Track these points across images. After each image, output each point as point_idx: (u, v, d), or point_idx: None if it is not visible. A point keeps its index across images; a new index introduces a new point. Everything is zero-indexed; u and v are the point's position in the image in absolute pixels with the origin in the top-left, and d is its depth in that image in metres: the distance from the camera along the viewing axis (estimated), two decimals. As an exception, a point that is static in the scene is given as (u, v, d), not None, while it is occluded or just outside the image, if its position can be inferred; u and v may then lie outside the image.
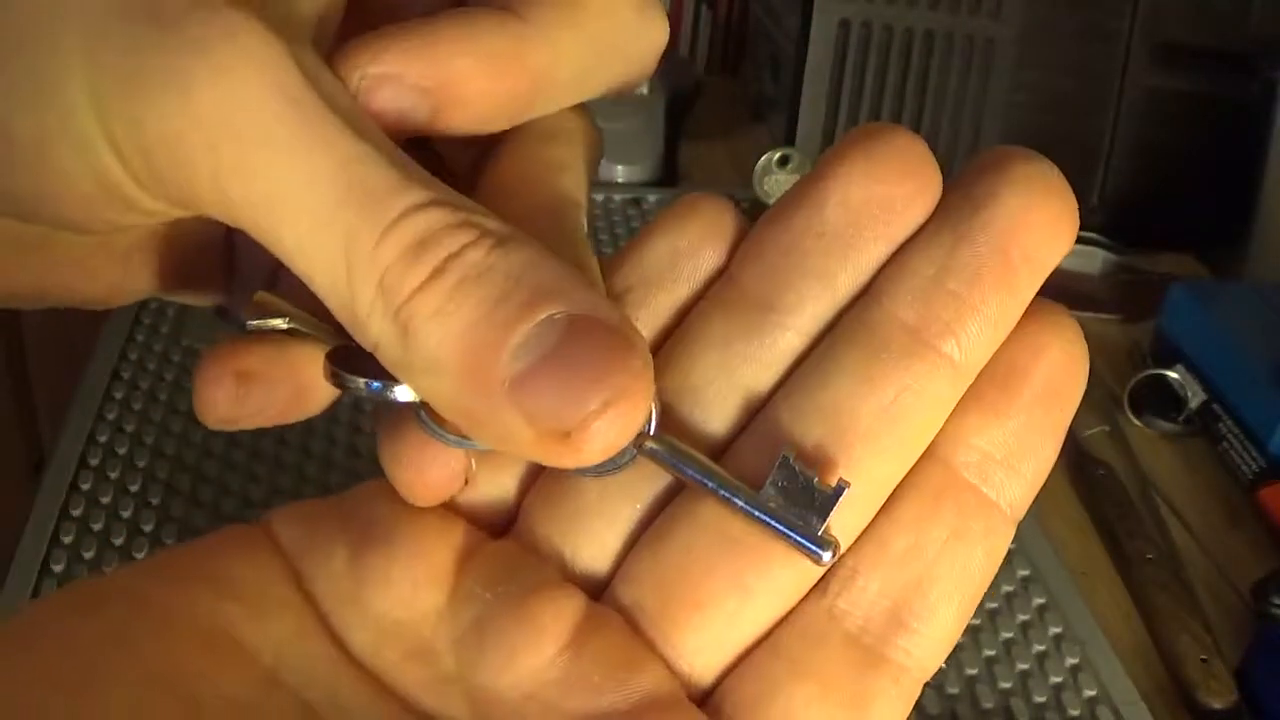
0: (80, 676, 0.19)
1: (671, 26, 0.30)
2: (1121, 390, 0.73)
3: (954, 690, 0.52)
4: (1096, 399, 0.73)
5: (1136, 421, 0.72)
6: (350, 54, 0.21)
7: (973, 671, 0.53)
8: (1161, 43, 0.86)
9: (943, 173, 0.22)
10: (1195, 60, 0.87)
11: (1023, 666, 0.53)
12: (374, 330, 0.19)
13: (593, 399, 0.18)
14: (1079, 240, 0.92)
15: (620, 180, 0.90)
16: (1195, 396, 0.71)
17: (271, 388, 0.22)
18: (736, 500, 0.21)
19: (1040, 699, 0.52)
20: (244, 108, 0.19)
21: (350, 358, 0.21)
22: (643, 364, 0.19)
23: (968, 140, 0.87)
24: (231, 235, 0.25)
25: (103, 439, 0.61)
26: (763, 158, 0.75)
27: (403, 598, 0.22)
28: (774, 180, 0.75)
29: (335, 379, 0.21)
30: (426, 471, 0.22)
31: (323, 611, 0.22)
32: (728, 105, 1.07)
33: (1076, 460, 0.67)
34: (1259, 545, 0.64)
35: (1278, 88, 0.84)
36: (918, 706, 0.53)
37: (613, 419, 0.19)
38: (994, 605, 0.56)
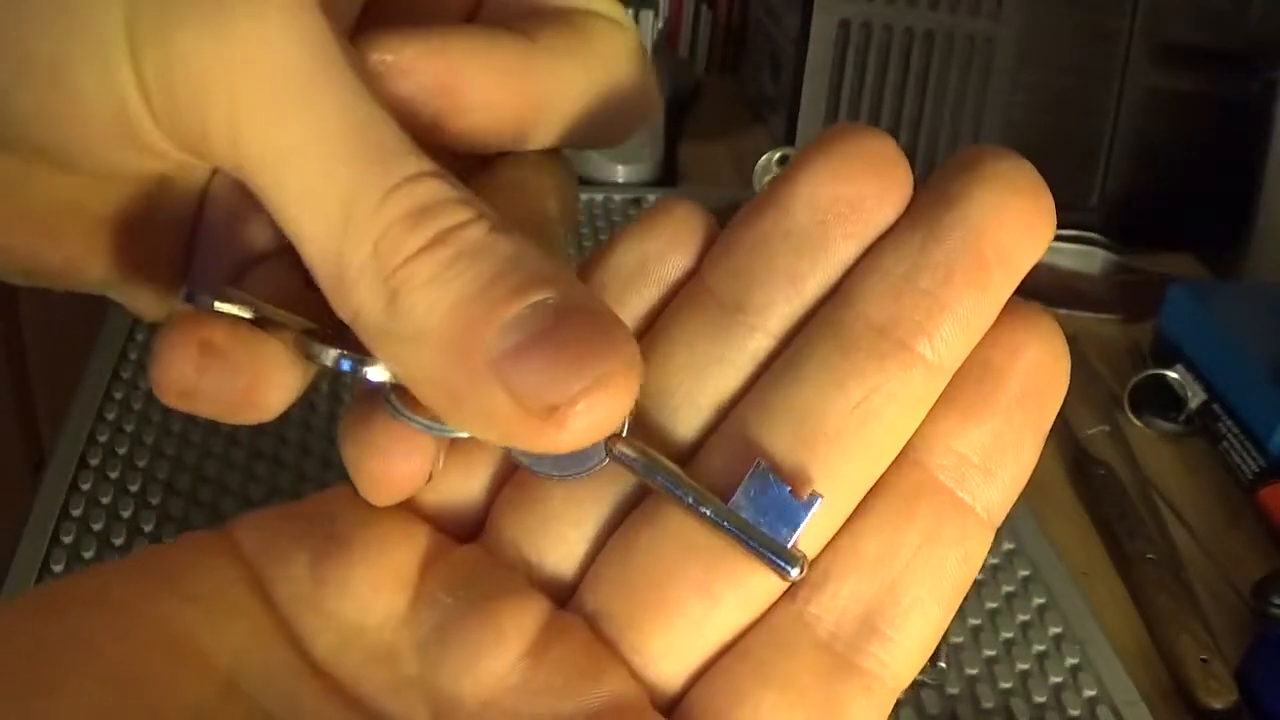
0: (38, 682, 0.19)
1: (671, 27, 0.31)
2: (1121, 390, 0.73)
3: (954, 690, 0.52)
4: (1096, 399, 0.73)
5: (1136, 421, 0.72)
6: (369, 41, 0.22)
7: (973, 671, 0.53)
8: (1161, 43, 0.86)
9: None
10: (1195, 60, 0.87)
11: (1023, 666, 0.53)
12: (361, 293, 0.19)
13: (583, 375, 0.18)
14: (1079, 240, 0.92)
15: (620, 180, 0.90)
16: (1195, 396, 0.71)
17: (232, 371, 0.21)
18: (705, 511, 0.21)
19: (1040, 699, 0.52)
20: (272, 54, 0.19)
21: (320, 340, 0.21)
22: (633, 354, 0.19)
23: (968, 140, 0.87)
24: (195, 236, 0.25)
25: (103, 439, 0.61)
26: (763, 158, 0.75)
27: (364, 601, 0.21)
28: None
29: (307, 350, 0.21)
30: (391, 461, 0.21)
31: (284, 616, 0.21)
32: (728, 105, 1.07)
33: (1076, 460, 0.67)
34: (1259, 545, 0.64)
35: (1278, 88, 0.84)
36: (918, 707, 0.53)
37: (600, 400, 0.18)
38: (994, 605, 0.56)
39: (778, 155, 0.75)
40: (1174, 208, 0.89)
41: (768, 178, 0.75)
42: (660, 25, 0.94)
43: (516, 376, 0.18)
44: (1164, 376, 0.72)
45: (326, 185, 0.19)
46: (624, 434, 0.21)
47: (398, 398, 0.20)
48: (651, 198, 0.88)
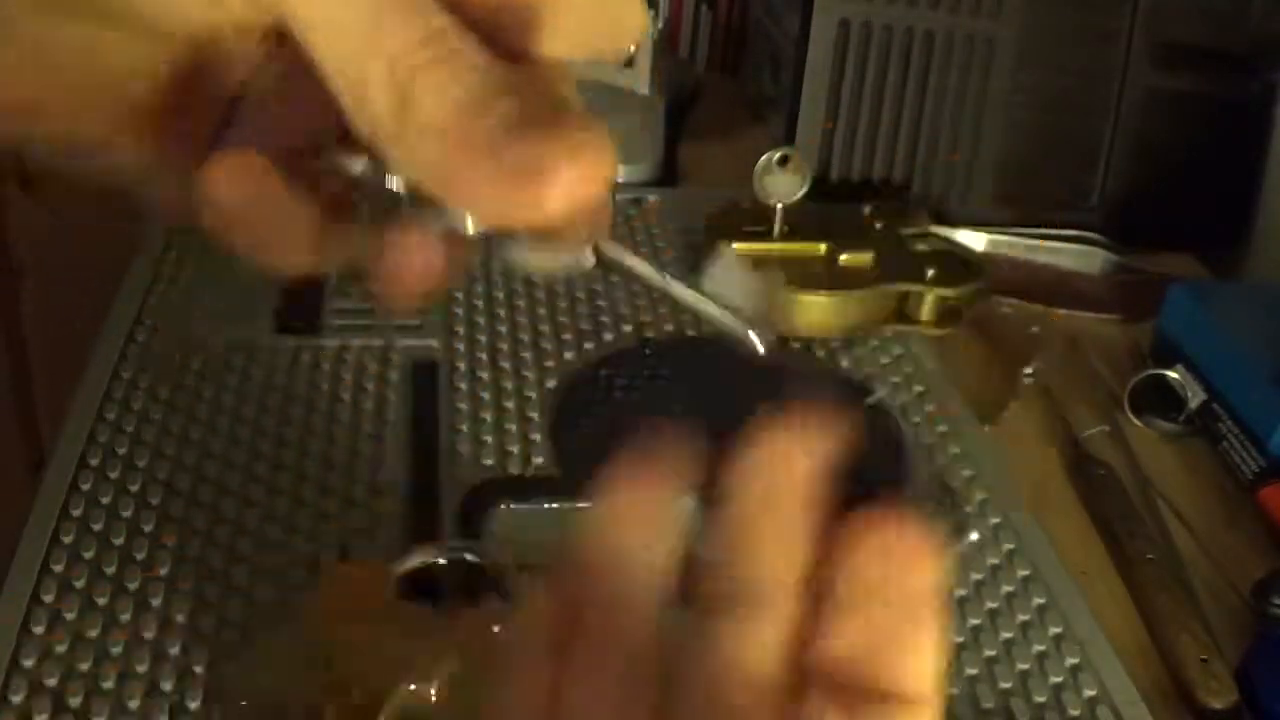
0: None
1: (672, 26, 0.33)
2: (1121, 390, 0.73)
3: (954, 690, 0.52)
4: (1096, 399, 0.73)
5: (1136, 421, 0.72)
6: None
7: (973, 671, 0.53)
8: (1161, 43, 0.86)
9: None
10: (1195, 60, 0.87)
11: (1023, 666, 0.53)
12: (379, 102, 0.23)
13: (563, 144, 0.22)
14: (1079, 240, 0.92)
15: (620, 180, 0.90)
16: (1195, 396, 0.71)
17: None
18: (683, 294, 0.25)
19: (1040, 699, 0.52)
20: None
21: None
22: (606, 139, 0.22)
23: (968, 140, 0.87)
24: (227, 126, 0.27)
25: (103, 439, 0.61)
26: (763, 158, 0.75)
27: None
28: (774, 180, 0.75)
29: (337, 159, 0.25)
30: (408, 256, 0.25)
31: None
32: (728, 105, 1.07)
33: (1076, 460, 0.67)
34: (1259, 545, 0.64)
35: (1278, 88, 0.84)
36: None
37: (577, 164, 0.22)
38: (994, 605, 0.56)
39: (778, 155, 0.75)
40: (1174, 208, 0.89)
41: (767, 177, 0.75)
42: (660, 25, 0.94)
43: (509, 152, 0.22)
44: (1164, 376, 0.72)
45: (353, 15, 0.22)
46: (607, 237, 0.24)
47: (412, 198, 0.24)
48: (652, 198, 0.88)
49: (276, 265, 0.26)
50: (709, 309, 0.23)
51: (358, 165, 0.25)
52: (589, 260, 0.24)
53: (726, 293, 0.26)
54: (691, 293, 0.24)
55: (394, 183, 0.24)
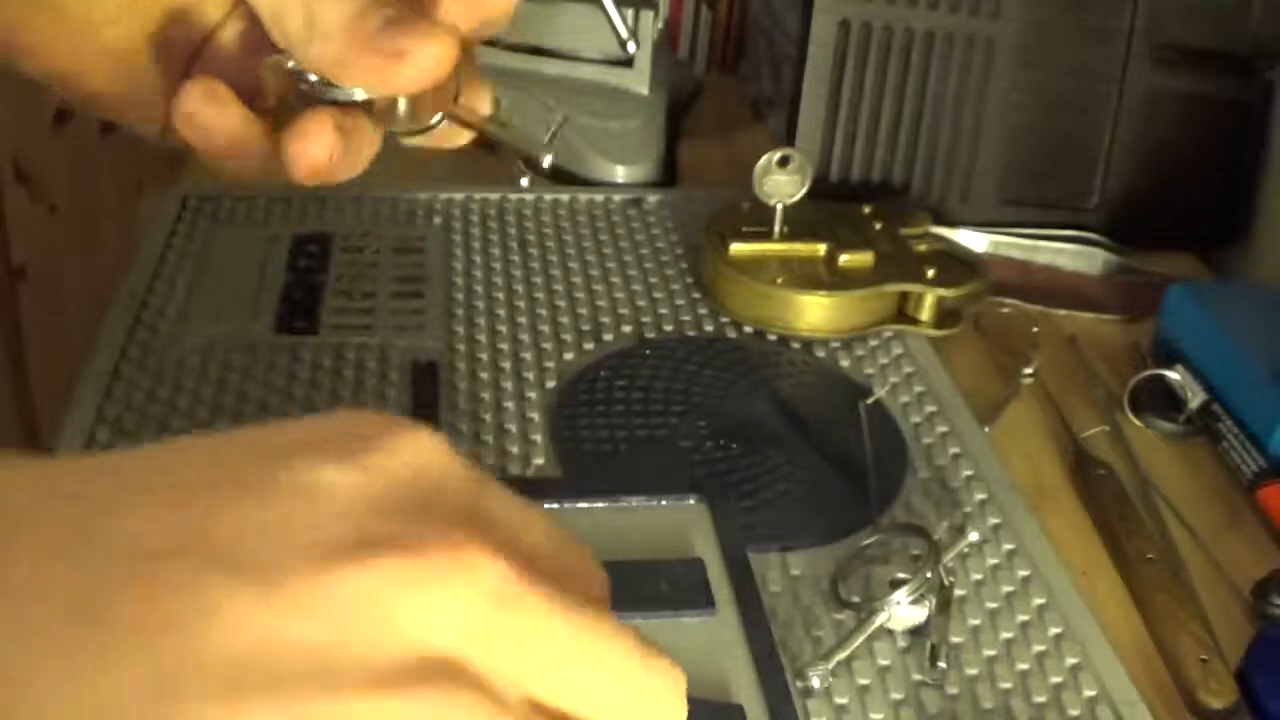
0: None
1: (671, 26, 0.40)
2: (1121, 390, 0.73)
3: (954, 690, 0.52)
4: (1096, 399, 0.73)
5: (1136, 421, 0.72)
6: None
7: (973, 671, 0.53)
8: (1161, 43, 0.86)
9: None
10: (1195, 60, 0.87)
11: (1023, 666, 0.53)
12: (295, 24, 0.34)
13: (419, 34, 0.34)
14: (1079, 240, 0.92)
15: (620, 180, 0.90)
16: (1195, 396, 0.71)
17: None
18: (498, 132, 0.38)
19: (1040, 699, 0.52)
20: None
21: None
22: (452, 37, 0.34)
23: (968, 140, 0.87)
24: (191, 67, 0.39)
25: (103, 439, 0.61)
26: (763, 158, 0.75)
27: None
28: (774, 180, 0.75)
29: (272, 60, 0.36)
30: (308, 140, 0.35)
31: None
32: (728, 105, 1.07)
33: (1076, 460, 0.67)
34: (1259, 545, 0.64)
35: (1278, 88, 0.84)
36: (918, 706, 0.53)
37: (430, 46, 0.34)
38: (994, 605, 0.56)
39: (778, 155, 0.75)
40: (1174, 208, 0.89)
41: (767, 177, 0.75)
42: (660, 25, 0.94)
43: (384, 42, 0.34)
44: (1164, 376, 0.72)
45: None
46: (457, 102, 0.37)
47: (320, 84, 0.36)
48: (652, 198, 0.88)
49: (236, 171, 0.36)
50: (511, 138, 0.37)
51: (288, 62, 0.36)
52: (443, 120, 0.37)
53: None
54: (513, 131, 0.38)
55: (308, 76, 0.36)
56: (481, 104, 0.39)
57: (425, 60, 0.33)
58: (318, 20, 0.34)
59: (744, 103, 1.07)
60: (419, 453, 0.25)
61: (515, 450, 0.63)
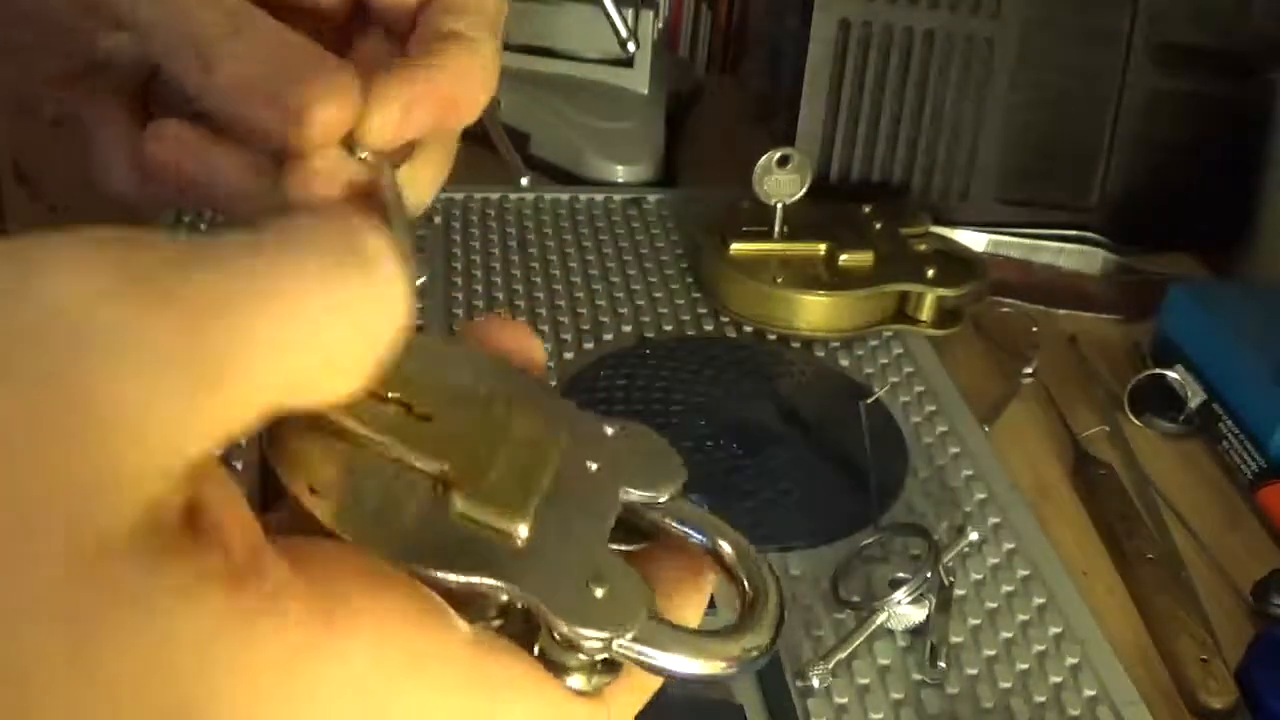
0: None
1: (671, 26, 0.38)
2: (1121, 390, 0.73)
3: (954, 690, 0.52)
4: (1096, 399, 0.73)
5: (1136, 421, 0.72)
6: None
7: (973, 671, 0.53)
8: (1161, 43, 0.86)
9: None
10: (1195, 60, 0.87)
11: (1023, 666, 0.53)
12: (194, 71, 0.30)
13: (318, 87, 0.29)
14: (1079, 240, 0.92)
15: (620, 180, 0.90)
16: (1195, 396, 0.71)
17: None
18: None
19: (1040, 699, 0.52)
20: None
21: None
22: (353, 84, 0.30)
23: (968, 140, 0.87)
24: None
25: (103, 439, 0.61)
26: (763, 158, 0.75)
27: None
28: (774, 180, 0.75)
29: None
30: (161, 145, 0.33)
31: None
32: (728, 105, 1.07)
33: (1076, 460, 0.67)
34: (1259, 545, 0.64)
35: (1278, 88, 0.84)
36: (918, 705, 0.53)
37: (329, 102, 0.29)
38: (994, 605, 0.56)
39: (778, 155, 0.75)
40: (1174, 208, 0.89)
41: (767, 177, 0.75)
42: (660, 25, 0.94)
43: (283, 98, 0.29)
44: (1164, 376, 0.72)
45: (167, 13, 0.31)
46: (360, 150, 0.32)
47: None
48: (652, 198, 0.88)
49: (218, 208, 0.34)
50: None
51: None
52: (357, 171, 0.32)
53: None
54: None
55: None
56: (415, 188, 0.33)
57: (330, 115, 0.30)
58: (215, 65, 0.31)
59: (744, 103, 1.07)
60: None
61: (515, 450, 0.63)
